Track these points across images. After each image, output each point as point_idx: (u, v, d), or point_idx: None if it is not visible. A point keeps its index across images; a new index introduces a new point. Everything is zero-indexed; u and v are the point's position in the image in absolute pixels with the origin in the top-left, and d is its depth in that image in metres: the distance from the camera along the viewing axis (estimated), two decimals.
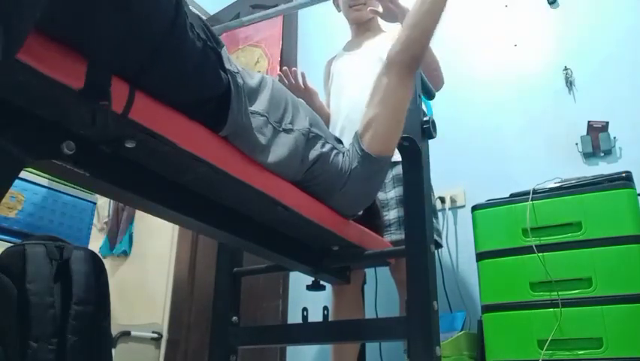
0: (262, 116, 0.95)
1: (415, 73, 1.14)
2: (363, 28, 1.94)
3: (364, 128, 1.12)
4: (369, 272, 2.00)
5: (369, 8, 1.76)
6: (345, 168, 1.11)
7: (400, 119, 1.13)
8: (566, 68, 2.09)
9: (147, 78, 0.72)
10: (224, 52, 0.85)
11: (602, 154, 1.94)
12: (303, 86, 1.82)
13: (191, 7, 0.77)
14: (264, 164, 0.94)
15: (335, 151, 1.11)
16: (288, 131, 1.00)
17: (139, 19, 0.66)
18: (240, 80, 0.88)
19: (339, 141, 1.23)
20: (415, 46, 1.13)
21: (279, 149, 0.97)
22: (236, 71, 0.88)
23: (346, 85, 1.85)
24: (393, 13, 1.69)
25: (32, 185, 1.73)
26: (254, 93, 0.96)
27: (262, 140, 0.93)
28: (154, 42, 0.70)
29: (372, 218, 1.33)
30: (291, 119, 1.02)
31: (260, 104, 0.96)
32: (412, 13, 1.15)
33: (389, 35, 1.87)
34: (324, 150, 1.08)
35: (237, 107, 0.86)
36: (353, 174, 1.10)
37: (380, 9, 1.73)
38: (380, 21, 1.89)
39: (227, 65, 0.85)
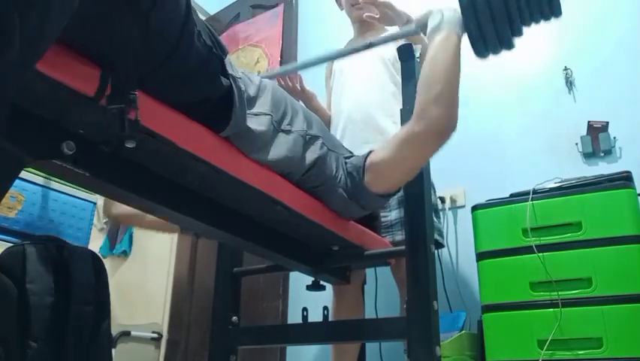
0: (267, 115, 0.96)
1: (439, 143, 1.02)
2: (365, 26, 1.94)
3: (371, 164, 1.08)
4: (369, 272, 2.00)
5: (365, 14, 1.76)
6: (341, 179, 1.10)
7: (409, 175, 1.09)
8: (566, 68, 2.09)
9: (149, 81, 0.73)
10: (227, 58, 0.87)
11: (602, 154, 1.94)
12: (300, 89, 1.82)
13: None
14: (263, 162, 0.95)
15: (332, 154, 1.11)
16: (287, 132, 1.01)
17: (153, 29, 0.68)
18: (241, 85, 0.90)
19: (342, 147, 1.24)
20: (438, 110, 0.99)
21: (278, 147, 0.98)
22: (238, 76, 0.90)
23: (348, 84, 1.85)
24: (390, 17, 1.69)
25: (32, 185, 1.73)
26: (256, 96, 0.97)
27: (264, 138, 0.94)
28: (163, 50, 0.72)
29: (369, 218, 1.33)
30: (289, 120, 1.03)
31: (263, 105, 0.97)
32: (425, 74, 1.03)
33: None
34: (322, 151, 1.08)
35: (240, 109, 0.87)
36: (348, 192, 1.10)
37: (376, 14, 1.72)
38: None
39: (229, 71, 0.87)
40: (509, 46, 1.08)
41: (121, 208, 1.32)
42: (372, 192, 1.08)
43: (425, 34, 1.14)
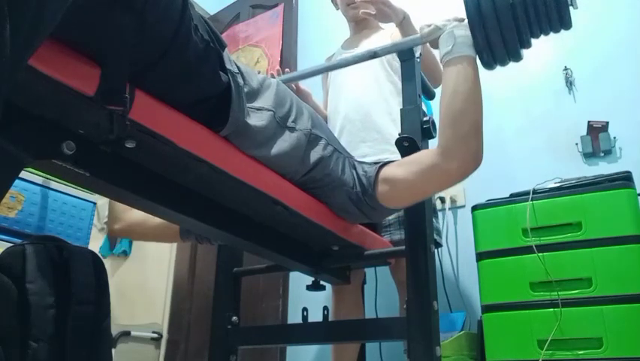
0: (269, 110, 0.96)
1: (463, 178, 1.03)
2: (361, 25, 1.94)
3: (385, 179, 1.08)
4: (369, 272, 2.00)
5: (362, 11, 1.75)
6: (349, 182, 1.10)
7: (422, 198, 1.11)
8: (566, 68, 2.09)
9: (147, 78, 0.72)
10: (225, 52, 0.86)
11: (602, 154, 1.94)
12: (295, 88, 1.81)
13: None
14: (264, 157, 0.94)
15: (336, 155, 1.11)
16: (291, 129, 1.01)
17: (149, 23, 0.67)
18: (240, 80, 0.89)
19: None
20: (466, 148, 0.99)
21: (281, 144, 0.97)
22: (236, 71, 0.89)
23: (345, 83, 1.85)
24: (386, 14, 1.68)
25: (32, 185, 1.73)
26: (258, 91, 0.97)
27: (265, 133, 0.94)
28: (160, 45, 0.71)
29: None
30: (294, 118, 1.03)
31: (266, 101, 0.97)
32: (449, 110, 1.02)
33: (387, 33, 1.87)
34: (326, 152, 1.08)
35: (238, 106, 0.87)
36: (356, 197, 1.10)
37: (372, 10, 1.72)
38: None
39: (227, 66, 0.86)
40: (517, 58, 1.06)
41: (122, 223, 1.38)
42: (380, 204, 1.09)
43: (432, 46, 1.13)
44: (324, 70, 1.44)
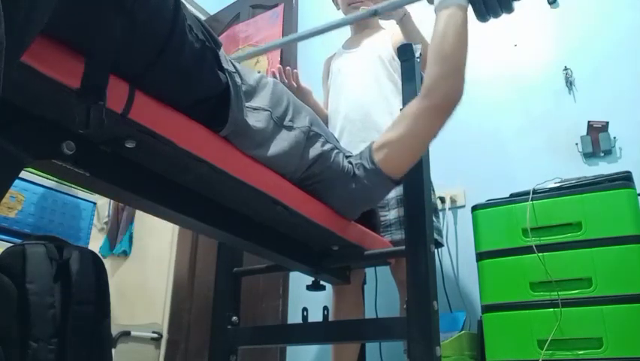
0: (265, 110, 0.96)
1: (447, 115, 1.06)
2: (362, 25, 1.94)
3: (380, 146, 1.10)
4: (369, 272, 2.00)
5: (362, 8, 1.76)
6: (349, 171, 1.11)
7: (419, 151, 1.12)
8: (566, 68, 2.09)
9: (147, 79, 0.73)
10: (221, 52, 0.86)
11: (602, 154, 1.94)
12: (296, 85, 1.82)
13: (190, 7, 0.78)
14: (264, 158, 0.95)
15: (336, 151, 1.11)
16: (289, 128, 1.01)
17: (140, 22, 0.67)
18: (237, 80, 0.89)
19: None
20: (448, 84, 1.04)
21: (280, 143, 0.97)
22: (233, 70, 0.89)
23: (346, 83, 1.85)
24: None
25: (32, 185, 1.73)
26: (254, 90, 0.97)
27: (263, 134, 0.94)
28: (154, 45, 0.71)
29: (369, 217, 1.33)
30: (291, 117, 1.03)
31: (262, 100, 0.97)
32: (436, 50, 1.06)
33: (388, 32, 1.87)
34: (325, 148, 1.08)
35: (237, 106, 0.87)
36: (357, 182, 1.10)
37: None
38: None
39: (224, 65, 0.86)
40: (509, 9, 1.11)
41: None
42: (383, 174, 1.08)
43: (429, 1, 1.17)
44: (322, 31, 1.43)
